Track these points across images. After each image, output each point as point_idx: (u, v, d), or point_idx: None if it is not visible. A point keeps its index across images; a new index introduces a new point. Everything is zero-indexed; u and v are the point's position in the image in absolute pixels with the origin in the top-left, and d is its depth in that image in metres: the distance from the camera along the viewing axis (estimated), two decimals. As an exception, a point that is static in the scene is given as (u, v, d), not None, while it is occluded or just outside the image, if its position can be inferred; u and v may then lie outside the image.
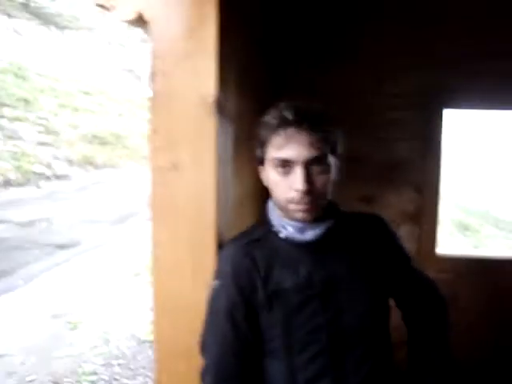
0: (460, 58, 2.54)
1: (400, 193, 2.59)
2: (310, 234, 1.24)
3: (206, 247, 1.35)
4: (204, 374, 1.28)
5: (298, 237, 1.24)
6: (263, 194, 1.36)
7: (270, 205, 1.33)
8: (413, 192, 2.58)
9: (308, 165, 1.17)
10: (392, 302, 1.47)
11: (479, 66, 2.52)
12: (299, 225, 1.24)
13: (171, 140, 1.33)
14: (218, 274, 1.29)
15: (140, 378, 4.11)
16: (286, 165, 1.18)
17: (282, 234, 1.26)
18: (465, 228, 12.05)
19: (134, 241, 8.08)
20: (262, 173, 1.29)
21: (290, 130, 1.16)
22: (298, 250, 1.27)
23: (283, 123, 1.17)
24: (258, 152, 1.26)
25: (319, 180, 1.19)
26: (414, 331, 1.49)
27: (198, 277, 1.36)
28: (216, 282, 1.28)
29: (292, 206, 1.20)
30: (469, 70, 2.51)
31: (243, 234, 1.34)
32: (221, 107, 1.35)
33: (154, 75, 1.34)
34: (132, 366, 4.38)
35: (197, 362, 1.28)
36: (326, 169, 1.21)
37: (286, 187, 1.19)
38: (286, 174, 1.19)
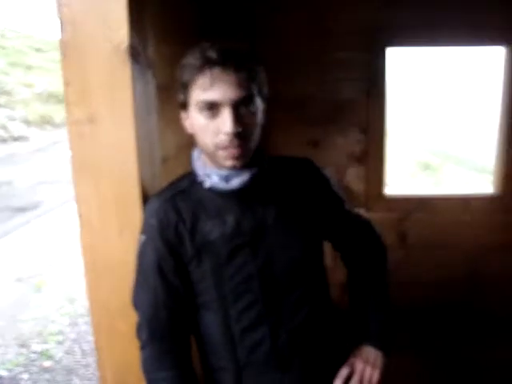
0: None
1: (346, 135, 2.57)
2: (236, 182, 1.20)
3: (131, 202, 1.31)
4: (139, 331, 1.28)
5: (223, 185, 1.21)
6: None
7: (195, 154, 1.29)
8: (358, 133, 2.56)
9: (236, 106, 1.12)
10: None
11: (421, 2, 2.46)
12: (224, 173, 1.20)
13: (85, 92, 1.26)
14: (144, 229, 1.26)
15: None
16: (212, 107, 1.12)
17: (207, 184, 1.22)
18: (426, 167, 12.29)
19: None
20: (185, 119, 1.23)
21: (216, 70, 1.10)
22: (225, 199, 1.24)
23: (208, 63, 1.10)
24: (181, 96, 1.19)
25: (248, 122, 1.15)
26: (353, 272, 1.51)
27: (125, 233, 1.33)
28: (142, 237, 1.25)
29: (221, 153, 1.15)
30: (411, 6, 2.45)
31: (169, 187, 1.31)
32: (136, 54, 1.27)
33: (61, 24, 1.25)
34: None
35: (134, 320, 1.28)
36: (254, 110, 1.17)
37: (214, 131, 1.14)
38: (212, 117, 1.13)
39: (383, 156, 2.58)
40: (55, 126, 14.02)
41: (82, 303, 4.76)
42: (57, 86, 15.58)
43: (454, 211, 2.68)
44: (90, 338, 4.13)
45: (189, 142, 1.79)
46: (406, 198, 2.75)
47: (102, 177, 1.30)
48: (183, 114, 1.23)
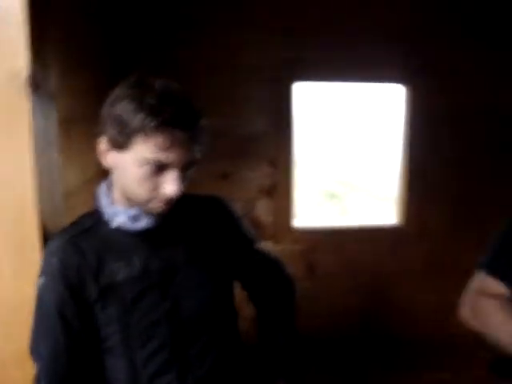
0: (308, 32, 2.58)
1: (255, 168, 2.61)
2: (143, 223, 1.15)
3: (29, 241, 1.21)
4: (38, 381, 1.17)
5: (131, 225, 1.16)
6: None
7: (103, 190, 1.22)
8: (267, 166, 2.61)
9: (183, 169, 1.09)
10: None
11: (327, 39, 2.59)
12: (132, 212, 1.15)
13: (-23, 122, 1.15)
14: (44, 270, 1.16)
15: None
16: (159, 166, 1.06)
17: (114, 223, 1.16)
18: (332, 197, 12.76)
19: None
20: (105, 151, 1.13)
21: (171, 130, 1.03)
22: (132, 239, 1.19)
23: (163, 122, 1.03)
24: (116, 136, 1.07)
25: (186, 180, 1.12)
26: (261, 311, 1.51)
27: (22, 275, 1.22)
28: (42, 279, 1.15)
29: (154, 205, 1.11)
30: (316, 44, 2.57)
31: (71, 225, 1.22)
32: (37, 84, 1.19)
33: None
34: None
35: (31, 368, 1.16)
36: (194, 168, 1.14)
37: (152, 186, 1.08)
38: (155, 173, 1.07)
39: (291, 189, 2.64)
40: None
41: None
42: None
43: (359, 242, 2.79)
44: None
45: (93, 177, 1.72)
46: (314, 230, 2.82)
47: (-6, 215, 1.19)
48: (104, 145, 1.12)
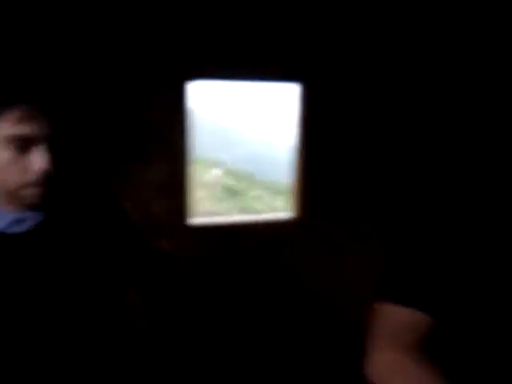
0: (201, 32, 2.58)
1: (152, 166, 2.55)
2: (24, 226, 1.09)
3: None
4: None
5: (9, 230, 1.07)
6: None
7: None
8: (163, 164, 2.57)
9: (48, 145, 1.02)
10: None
11: (218, 39, 2.61)
12: (11, 216, 1.07)
13: None
14: None
15: None
16: (23, 143, 1.00)
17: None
18: (234, 193, 12.92)
19: None
20: None
21: (26, 105, 0.99)
22: (10, 244, 1.10)
23: (17, 97, 0.99)
24: None
25: (52, 160, 1.05)
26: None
27: None
28: None
29: (27, 191, 1.04)
30: (210, 44, 2.58)
31: None
32: None
33: None
34: None
35: None
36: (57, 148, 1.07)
37: (21, 169, 1.01)
38: (21, 153, 1.01)
39: (186, 187, 2.62)
40: None
41: None
42: None
43: (258, 236, 2.83)
44: None
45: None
46: (211, 226, 2.82)
47: None
48: None
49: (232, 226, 2.83)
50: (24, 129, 1.00)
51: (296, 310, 2.98)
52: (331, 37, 2.86)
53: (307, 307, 3.00)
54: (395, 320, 0.96)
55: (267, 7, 2.67)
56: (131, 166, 2.52)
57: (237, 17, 2.64)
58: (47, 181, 1.04)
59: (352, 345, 2.98)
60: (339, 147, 3.01)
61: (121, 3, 2.41)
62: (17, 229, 1.09)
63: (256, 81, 2.83)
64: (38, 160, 1.02)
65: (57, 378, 1.13)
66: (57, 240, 1.15)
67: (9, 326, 1.09)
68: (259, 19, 2.68)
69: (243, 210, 11.60)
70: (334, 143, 2.99)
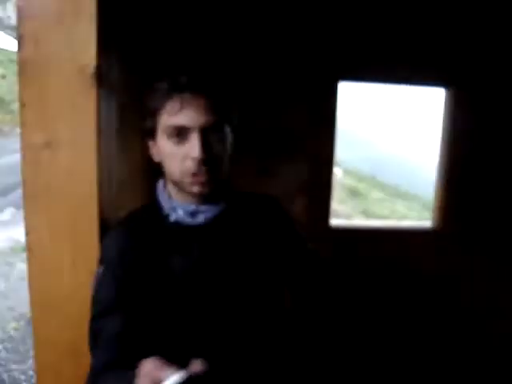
0: (354, 33, 2.57)
1: (295, 164, 2.59)
2: (201, 218, 1.16)
3: (88, 233, 1.23)
4: (92, 376, 1.16)
5: (189, 220, 1.16)
6: (152, 170, 1.24)
7: (160, 185, 1.23)
8: (308, 163, 2.60)
9: (205, 132, 1.08)
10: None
11: (373, 40, 2.57)
12: (190, 207, 1.16)
13: (44, 115, 1.17)
14: (103, 261, 1.17)
15: (30, 362, 3.82)
16: (180, 133, 1.07)
17: (172, 218, 1.17)
18: (355, 194, 12.69)
19: (18, 213, 7.54)
20: (152, 147, 1.17)
21: (185, 95, 1.06)
22: (189, 234, 1.19)
23: (177, 88, 1.07)
24: (148, 122, 1.13)
25: (216, 149, 1.11)
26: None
27: (80, 266, 1.23)
28: (100, 270, 1.17)
29: (188, 179, 1.10)
30: (363, 45, 2.55)
31: (130, 218, 1.23)
32: (103, 78, 1.21)
33: (21, 39, 1.16)
34: (21, 349, 4.06)
35: (84, 361, 1.15)
36: (223, 137, 1.13)
37: (181, 158, 1.09)
38: (181, 143, 1.08)
39: (330, 186, 2.63)
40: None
41: (2, 325, 4.42)
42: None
43: (396, 243, 2.77)
44: (12, 365, 3.83)
45: (141, 168, 1.73)
46: (350, 229, 2.80)
47: (55, 205, 1.21)
48: (150, 142, 1.17)
49: (370, 232, 2.80)
50: (177, 119, 1.07)
51: (443, 322, 2.87)
52: (490, 41, 2.70)
53: (455, 319, 2.88)
54: None
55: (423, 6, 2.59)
56: (276, 163, 2.58)
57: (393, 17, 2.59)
58: (207, 169, 1.09)
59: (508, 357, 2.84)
60: (489, 157, 2.82)
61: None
62: (191, 221, 1.17)
63: (407, 84, 2.76)
64: (191, 149, 1.07)
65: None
66: (231, 235, 1.22)
67: (187, 314, 1.18)
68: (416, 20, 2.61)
69: (365, 213, 11.34)
70: (483, 153, 2.81)
